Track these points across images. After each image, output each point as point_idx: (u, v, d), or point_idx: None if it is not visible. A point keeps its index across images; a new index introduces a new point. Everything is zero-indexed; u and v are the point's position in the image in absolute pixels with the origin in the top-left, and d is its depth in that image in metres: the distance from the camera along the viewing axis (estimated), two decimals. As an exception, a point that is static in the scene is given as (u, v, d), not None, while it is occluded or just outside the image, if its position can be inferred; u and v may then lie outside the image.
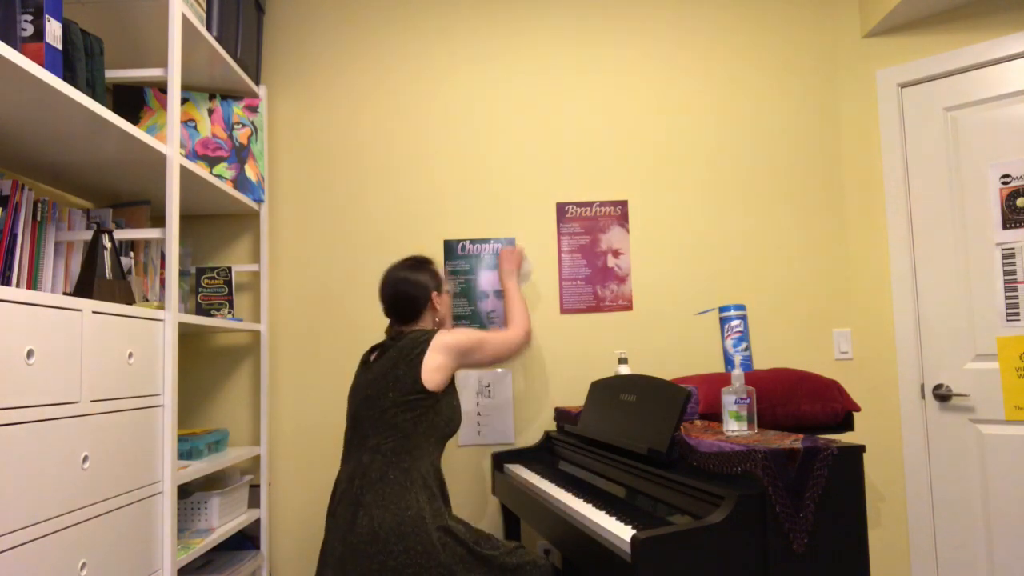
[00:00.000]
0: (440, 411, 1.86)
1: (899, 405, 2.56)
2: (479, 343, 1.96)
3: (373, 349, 2.03)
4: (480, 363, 1.99)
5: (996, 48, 2.39)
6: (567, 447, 2.27)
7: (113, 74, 2.00)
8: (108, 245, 1.73)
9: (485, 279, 2.69)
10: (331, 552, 1.70)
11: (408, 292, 2.01)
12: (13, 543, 1.26)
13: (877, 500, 2.59)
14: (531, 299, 2.70)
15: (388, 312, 2.05)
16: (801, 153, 2.75)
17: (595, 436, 2.04)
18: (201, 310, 2.51)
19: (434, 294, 2.04)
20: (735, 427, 1.72)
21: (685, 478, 1.54)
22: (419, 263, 2.07)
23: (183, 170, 2.03)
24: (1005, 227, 2.33)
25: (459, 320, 2.67)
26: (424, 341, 1.89)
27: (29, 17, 1.44)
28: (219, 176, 2.48)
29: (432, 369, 1.84)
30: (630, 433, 1.86)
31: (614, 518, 1.58)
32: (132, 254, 2.07)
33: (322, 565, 1.74)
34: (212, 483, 2.41)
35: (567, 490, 1.93)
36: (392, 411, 1.81)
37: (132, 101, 2.37)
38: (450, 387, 1.94)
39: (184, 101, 2.47)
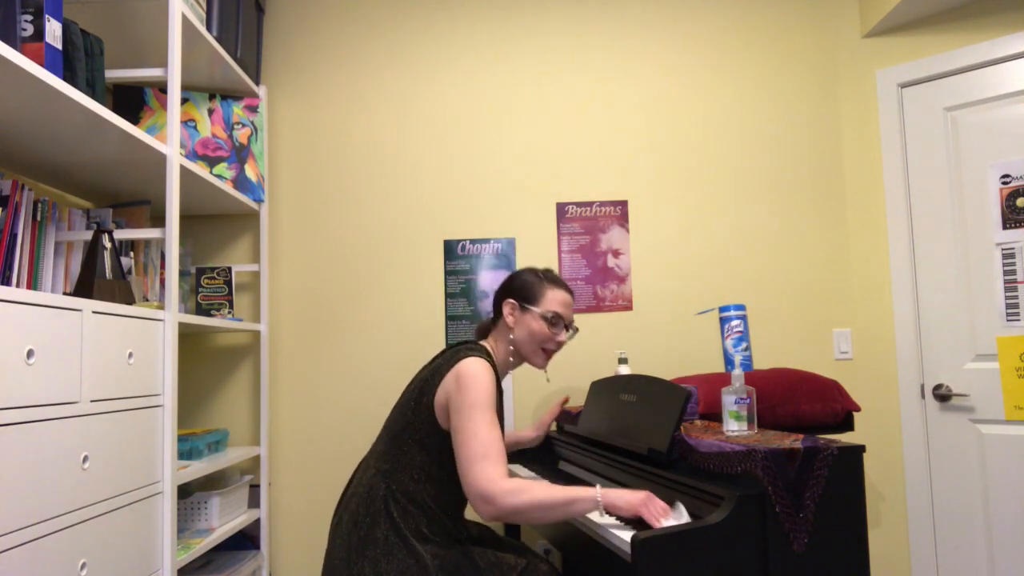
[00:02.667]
0: (452, 461, 1.61)
1: (899, 405, 2.56)
2: (464, 405, 1.50)
3: (444, 350, 1.76)
4: (452, 422, 1.54)
5: (996, 48, 2.39)
6: (567, 447, 2.27)
7: (113, 74, 2.00)
8: (108, 245, 1.73)
9: (485, 279, 2.69)
10: (334, 572, 1.65)
11: (494, 296, 1.78)
12: (13, 543, 1.26)
13: (877, 500, 2.59)
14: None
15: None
16: (801, 153, 2.75)
17: (595, 436, 2.04)
18: (201, 310, 2.51)
19: (510, 302, 1.72)
20: (735, 427, 1.72)
21: (685, 478, 1.54)
22: (524, 270, 1.80)
23: (183, 170, 2.03)
24: (1005, 227, 2.33)
25: (458, 319, 2.67)
26: (453, 360, 1.61)
27: (29, 17, 1.44)
28: (219, 176, 2.48)
29: (441, 399, 1.60)
30: (630, 433, 1.86)
31: (614, 518, 1.58)
32: (132, 254, 2.07)
33: (326, 558, 1.70)
34: (212, 483, 2.41)
35: (567, 490, 1.93)
36: (406, 436, 1.63)
37: (132, 101, 2.37)
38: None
39: (184, 101, 2.47)
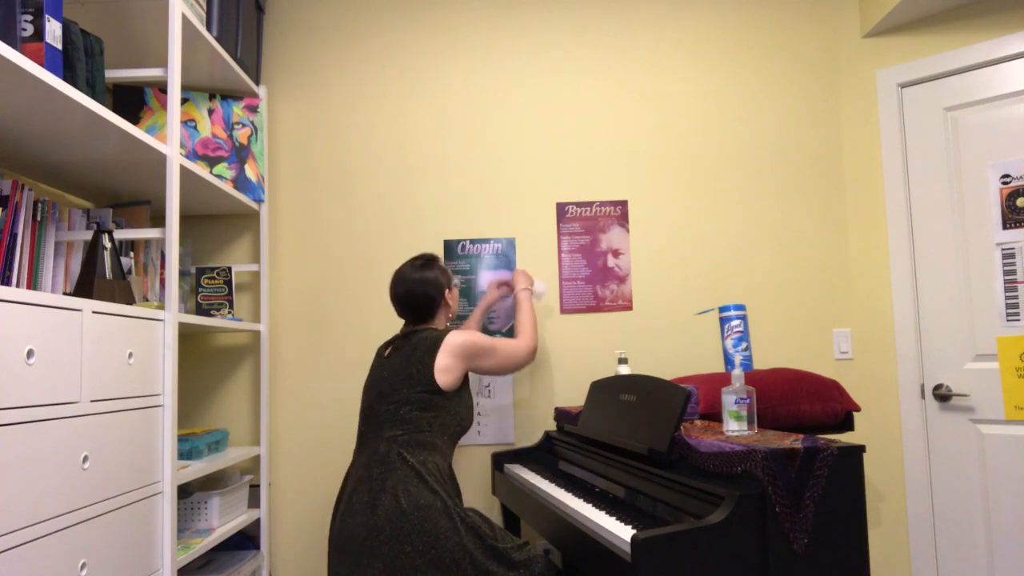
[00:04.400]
0: (452, 410, 1.90)
1: (899, 405, 2.56)
2: (489, 350, 1.99)
3: (387, 344, 2.02)
4: (488, 370, 2.02)
5: (996, 48, 2.39)
6: (567, 447, 2.27)
7: (113, 74, 2.00)
8: (108, 245, 1.73)
9: (485, 279, 2.69)
10: (351, 534, 1.69)
11: (423, 292, 2.03)
12: (13, 543, 1.26)
13: (877, 500, 2.59)
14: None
15: (402, 312, 2.06)
16: (801, 153, 2.75)
17: (595, 436, 2.04)
18: (201, 310, 2.51)
19: (446, 291, 2.09)
20: (735, 427, 1.72)
21: (685, 478, 1.54)
22: (428, 261, 2.08)
23: (183, 170, 2.03)
24: (1005, 227, 2.33)
25: (458, 319, 2.67)
26: (437, 340, 1.92)
27: (29, 17, 1.44)
28: (219, 176, 2.48)
29: (442, 370, 1.88)
30: (630, 433, 1.86)
31: (614, 518, 1.58)
32: (132, 254, 2.07)
33: (337, 551, 1.73)
34: (212, 483, 2.41)
35: (567, 490, 1.93)
36: (406, 407, 1.85)
37: (132, 101, 2.37)
38: (463, 386, 1.97)
39: (184, 101, 2.47)
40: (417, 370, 1.87)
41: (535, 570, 1.77)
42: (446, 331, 1.96)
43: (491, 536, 1.74)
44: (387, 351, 1.99)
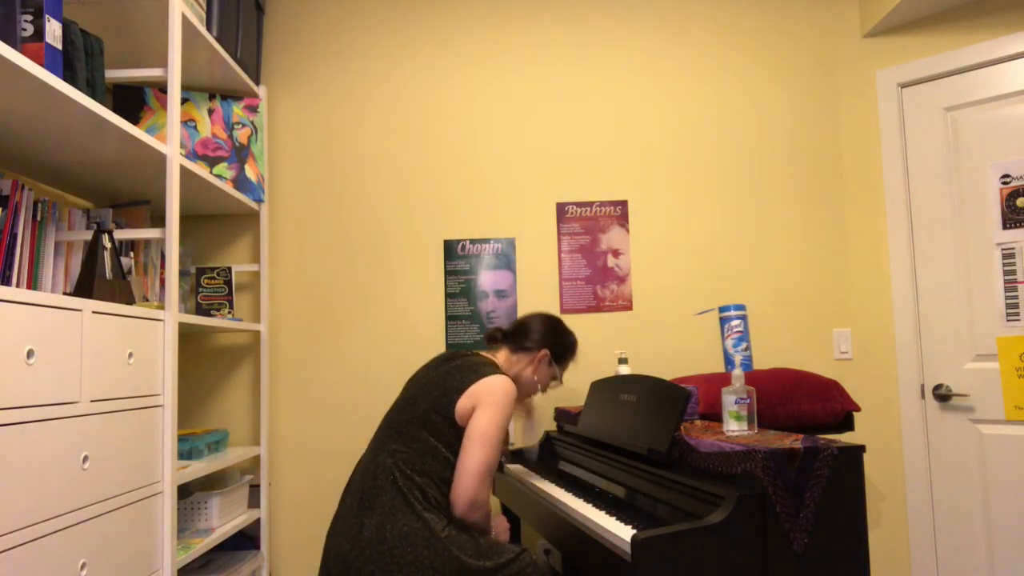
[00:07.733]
0: (458, 449, 1.77)
1: (899, 405, 2.56)
2: (490, 422, 1.73)
3: (451, 356, 1.91)
4: (470, 425, 1.75)
5: (996, 48, 2.39)
6: (567, 447, 2.27)
7: (113, 74, 2.00)
8: (108, 245, 1.73)
9: (485, 279, 2.69)
10: (338, 548, 1.69)
11: (532, 326, 2.00)
12: (13, 543, 1.26)
13: (877, 500, 2.59)
14: (532, 299, 2.70)
15: (507, 325, 2.07)
16: (801, 153, 2.75)
17: (595, 436, 2.04)
18: (201, 310, 2.51)
19: (545, 351, 1.98)
20: (735, 427, 1.72)
21: (685, 478, 1.54)
22: (566, 330, 2.05)
23: (183, 170, 2.03)
24: (1005, 227, 2.33)
25: (458, 319, 2.67)
26: (480, 372, 1.79)
27: (29, 17, 1.44)
28: (219, 176, 2.48)
29: (465, 405, 1.77)
30: (630, 433, 1.86)
31: (614, 518, 1.58)
32: (132, 254, 2.07)
33: (327, 558, 1.74)
34: (212, 483, 2.41)
35: (567, 490, 1.93)
36: (417, 424, 1.76)
37: (132, 101, 2.37)
38: None
39: (184, 101, 2.47)
40: (442, 393, 1.78)
41: None
42: (499, 372, 1.82)
43: (475, 554, 1.65)
44: (443, 360, 1.89)
